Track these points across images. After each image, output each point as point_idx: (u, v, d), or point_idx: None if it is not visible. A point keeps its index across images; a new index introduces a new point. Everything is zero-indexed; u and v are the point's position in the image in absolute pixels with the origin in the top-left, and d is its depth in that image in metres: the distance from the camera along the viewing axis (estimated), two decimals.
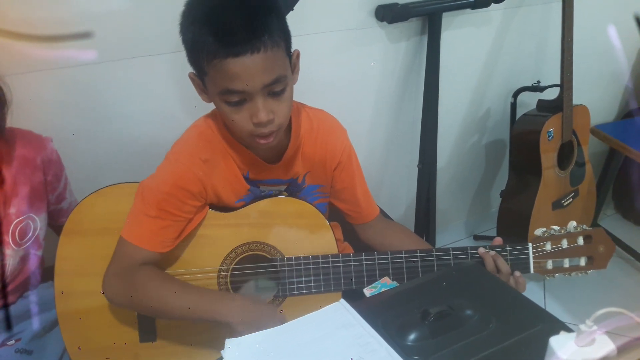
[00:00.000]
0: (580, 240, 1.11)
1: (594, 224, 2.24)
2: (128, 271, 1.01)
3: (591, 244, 1.11)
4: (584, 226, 1.11)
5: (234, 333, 0.97)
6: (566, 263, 1.12)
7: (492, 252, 1.09)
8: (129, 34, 1.26)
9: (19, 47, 1.16)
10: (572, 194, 1.97)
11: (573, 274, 1.12)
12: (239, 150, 1.06)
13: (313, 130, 1.12)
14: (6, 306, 1.10)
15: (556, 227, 1.11)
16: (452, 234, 2.30)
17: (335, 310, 0.79)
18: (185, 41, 0.93)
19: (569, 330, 0.72)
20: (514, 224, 1.96)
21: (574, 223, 1.11)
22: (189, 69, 0.97)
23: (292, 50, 0.98)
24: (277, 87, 0.93)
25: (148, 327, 1.10)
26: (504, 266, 1.08)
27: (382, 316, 0.77)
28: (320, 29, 1.48)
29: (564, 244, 1.11)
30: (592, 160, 2.03)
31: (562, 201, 1.93)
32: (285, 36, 0.94)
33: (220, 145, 1.06)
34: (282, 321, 0.96)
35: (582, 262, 1.12)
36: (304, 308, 1.10)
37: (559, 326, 0.75)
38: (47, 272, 1.20)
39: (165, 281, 1.02)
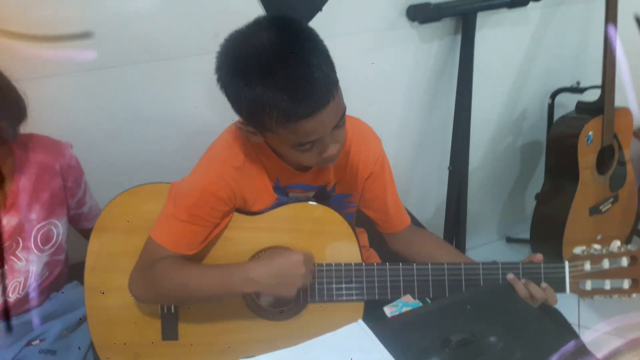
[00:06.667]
0: (624, 262, 1.04)
1: (635, 229, 2.15)
2: (150, 267, 1.03)
3: (636, 265, 1.04)
4: (629, 246, 1.04)
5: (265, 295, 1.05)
6: (607, 285, 1.05)
7: (523, 280, 1.03)
8: (151, 36, 1.25)
9: (36, 51, 1.16)
10: (612, 199, 1.89)
11: (615, 296, 1.05)
12: (272, 158, 1.07)
13: (347, 139, 1.10)
14: (6, 313, 1.11)
15: (597, 247, 1.05)
16: (483, 236, 2.24)
17: (353, 333, 0.76)
18: (241, 99, 0.91)
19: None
20: (548, 229, 1.90)
21: (618, 243, 1.04)
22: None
23: None
24: (341, 120, 0.95)
25: (170, 325, 1.11)
26: (538, 292, 1.02)
27: (402, 340, 0.75)
28: (350, 30, 1.45)
29: (605, 264, 1.04)
30: (635, 162, 1.94)
31: (600, 207, 1.86)
32: (335, 70, 0.93)
33: (252, 153, 1.06)
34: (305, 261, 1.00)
35: (626, 284, 1.05)
36: (323, 317, 1.10)
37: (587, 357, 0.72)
38: (71, 271, 1.23)
39: (184, 266, 1.04)
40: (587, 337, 1.24)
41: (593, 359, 0.69)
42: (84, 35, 1.16)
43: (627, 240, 2.12)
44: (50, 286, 1.16)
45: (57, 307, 1.15)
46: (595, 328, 1.82)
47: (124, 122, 1.34)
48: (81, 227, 1.23)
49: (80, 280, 1.12)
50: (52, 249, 1.13)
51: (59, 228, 1.14)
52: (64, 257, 1.18)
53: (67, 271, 1.21)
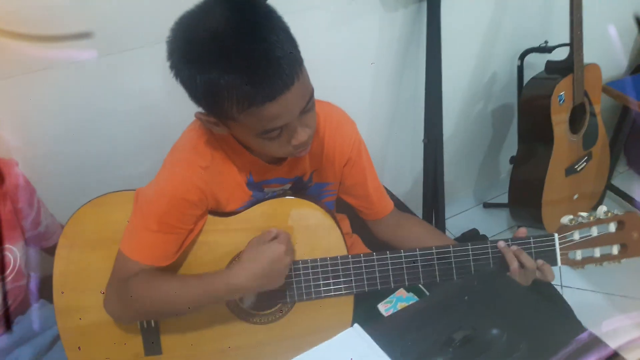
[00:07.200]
0: (612, 227, 1.02)
1: (609, 184, 2.17)
2: (125, 284, 0.96)
3: (624, 230, 1.02)
4: (615, 211, 1.02)
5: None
6: (597, 253, 1.03)
7: (514, 248, 1.02)
8: (106, 26, 1.14)
9: None
10: (586, 157, 1.88)
11: (605, 263, 1.04)
12: (241, 153, 0.99)
13: (320, 126, 1.04)
14: None
15: (584, 214, 1.02)
16: (461, 204, 2.23)
17: (350, 339, 0.72)
18: (197, 86, 0.82)
19: (606, 345, 0.66)
20: (526, 192, 1.88)
21: (604, 208, 1.02)
22: None
23: None
24: (309, 104, 0.88)
25: (152, 340, 1.06)
26: (529, 262, 1.00)
27: (401, 343, 0.71)
28: (311, 4, 1.37)
29: (594, 232, 1.02)
30: (604, 117, 1.93)
31: (576, 166, 1.85)
32: (298, 48, 0.85)
33: (220, 150, 0.99)
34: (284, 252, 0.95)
35: (615, 250, 1.03)
36: (312, 315, 1.06)
37: (594, 341, 0.69)
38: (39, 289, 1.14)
39: (161, 279, 0.98)
40: (570, 297, 1.23)
41: (604, 346, 0.67)
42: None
43: (601, 197, 2.14)
44: (14, 312, 1.08)
45: (25, 332, 1.07)
46: (578, 287, 1.84)
47: (77, 126, 1.23)
48: (42, 247, 1.15)
49: (47, 297, 1.05)
50: (10, 276, 1.05)
51: (15, 253, 1.05)
52: (26, 281, 1.10)
53: (32, 294, 1.13)
